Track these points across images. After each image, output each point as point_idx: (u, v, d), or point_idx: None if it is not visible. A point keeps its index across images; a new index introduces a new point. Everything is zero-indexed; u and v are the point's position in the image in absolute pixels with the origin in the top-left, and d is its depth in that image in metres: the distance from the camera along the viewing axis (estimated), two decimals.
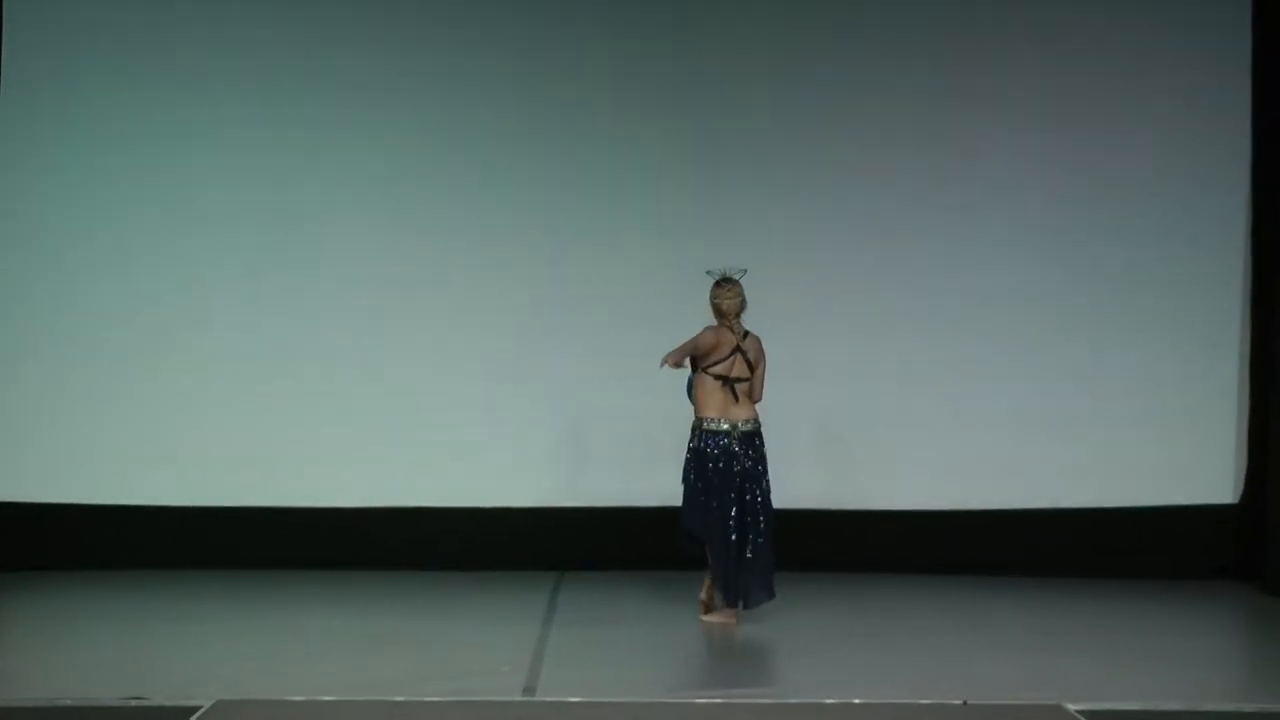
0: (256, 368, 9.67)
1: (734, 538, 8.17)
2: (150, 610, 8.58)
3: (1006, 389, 9.76)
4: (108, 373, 9.66)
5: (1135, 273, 9.80)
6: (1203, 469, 9.76)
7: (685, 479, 8.33)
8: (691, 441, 8.31)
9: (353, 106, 9.74)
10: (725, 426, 8.23)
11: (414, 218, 9.78)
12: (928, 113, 9.78)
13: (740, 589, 8.23)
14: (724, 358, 8.24)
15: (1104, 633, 8.33)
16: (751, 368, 8.28)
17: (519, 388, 9.77)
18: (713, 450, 8.21)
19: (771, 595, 8.26)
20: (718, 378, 8.23)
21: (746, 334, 8.32)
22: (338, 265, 9.72)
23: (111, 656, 7.38)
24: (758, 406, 8.31)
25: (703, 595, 8.47)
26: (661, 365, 8.06)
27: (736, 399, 8.21)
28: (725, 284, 8.29)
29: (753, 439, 8.27)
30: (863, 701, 6.62)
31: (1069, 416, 9.74)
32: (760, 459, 8.28)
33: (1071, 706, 6.56)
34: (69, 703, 6.45)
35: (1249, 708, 6.68)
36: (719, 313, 8.31)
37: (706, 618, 8.37)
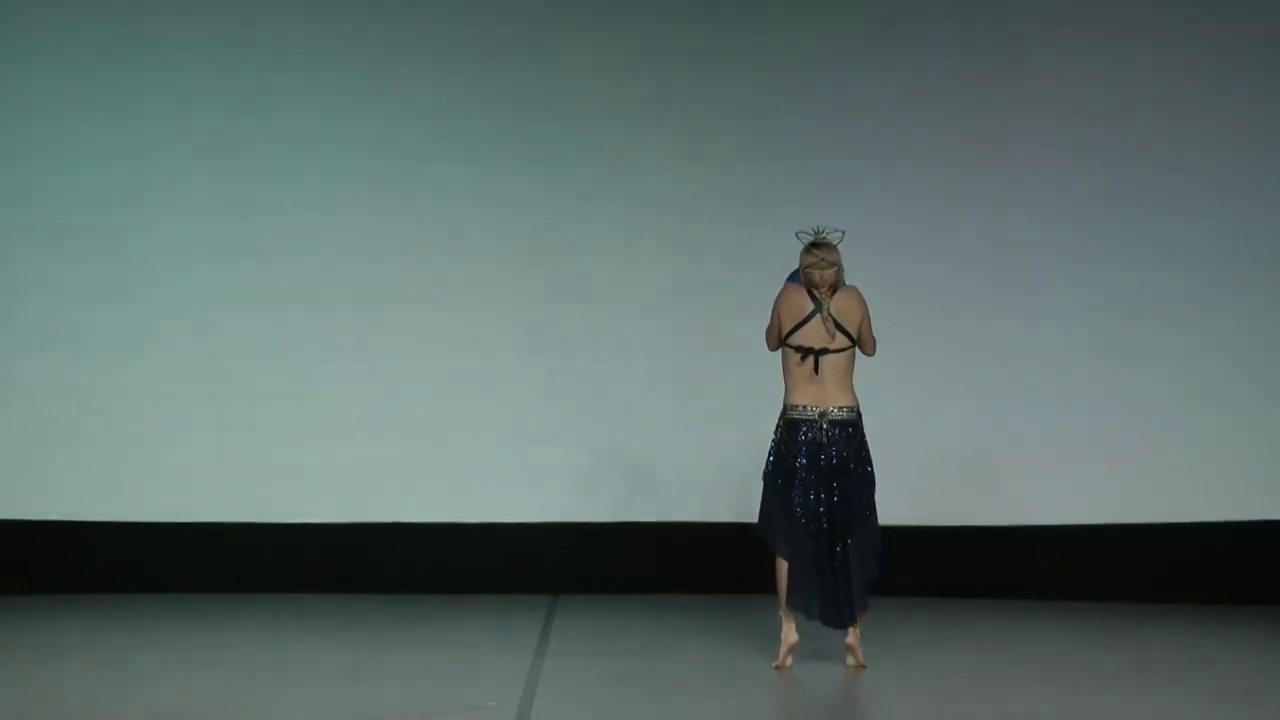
0: (230, 376, 9.48)
1: (821, 540, 7.15)
2: (94, 639, 8.27)
3: (1107, 401, 9.43)
4: (71, 383, 9.44)
5: (1225, 285, 9.46)
6: None
7: (765, 477, 7.40)
8: (774, 434, 7.37)
9: (339, 92, 9.54)
10: (812, 415, 7.24)
11: (405, 217, 9.56)
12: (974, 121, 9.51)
13: (821, 601, 7.19)
14: (801, 322, 7.23)
15: (1204, 667, 7.64)
16: (848, 334, 7.28)
17: (508, 392, 9.48)
18: (795, 443, 7.22)
19: (865, 609, 7.24)
20: (797, 349, 7.25)
21: (836, 287, 7.27)
22: (320, 267, 9.51)
23: (45, 691, 6.99)
24: (870, 360, 7.27)
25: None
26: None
27: (823, 379, 7.21)
28: (817, 249, 7.29)
29: (847, 428, 7.26)
30: None
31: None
32: (856, 453, 7.25)
33: None
34: None
35: None
36: (809, 284, 7.31)
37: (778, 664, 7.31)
